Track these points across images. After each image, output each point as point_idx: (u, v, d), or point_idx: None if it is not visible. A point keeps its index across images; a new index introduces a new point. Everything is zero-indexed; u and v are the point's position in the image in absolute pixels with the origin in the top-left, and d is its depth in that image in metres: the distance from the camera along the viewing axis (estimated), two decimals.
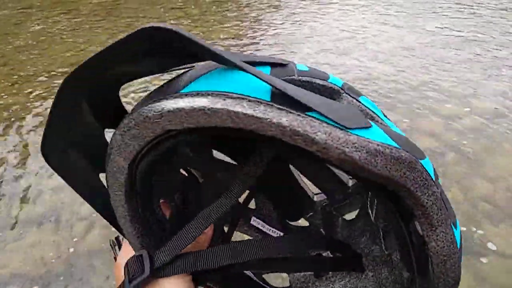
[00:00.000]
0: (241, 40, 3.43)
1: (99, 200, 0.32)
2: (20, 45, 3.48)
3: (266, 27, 3.73)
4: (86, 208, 1.58)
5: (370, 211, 0.39)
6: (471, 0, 4.27)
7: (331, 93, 0.29)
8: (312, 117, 0.22)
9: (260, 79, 0.22)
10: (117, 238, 0.38)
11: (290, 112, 0.22)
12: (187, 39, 0.22)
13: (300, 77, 0.28)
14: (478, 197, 1.64)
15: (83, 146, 0.31)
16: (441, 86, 2.50)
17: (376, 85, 2.54)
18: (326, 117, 0.22)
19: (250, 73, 0.23)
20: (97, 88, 0.28)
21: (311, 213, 0.43)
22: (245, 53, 2.90)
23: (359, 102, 0.30)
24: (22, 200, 1.70)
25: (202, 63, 0.27)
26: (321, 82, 0.29)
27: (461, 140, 1.97)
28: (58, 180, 1.63)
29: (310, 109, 0.22)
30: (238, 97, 0.22)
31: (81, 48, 3.35)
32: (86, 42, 3.50)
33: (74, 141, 0.30)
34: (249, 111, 0.22)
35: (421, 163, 0.24)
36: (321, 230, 0.43)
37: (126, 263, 0.30)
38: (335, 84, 0.30)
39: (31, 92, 2.67)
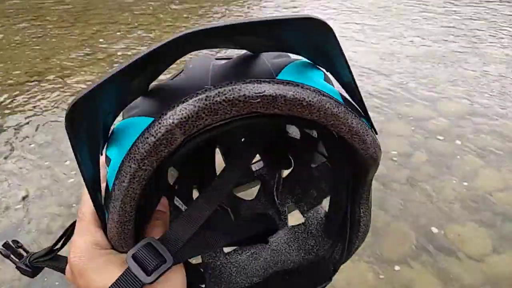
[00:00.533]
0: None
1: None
2: None
3: None
4: None
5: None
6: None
7: None
8: (363, 121, 0.28)
9: (354, 83, 0.27)
10: (11, 242, 0.36)
11: (356, 116, 0.27)
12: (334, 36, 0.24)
13: None
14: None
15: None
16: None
17: None
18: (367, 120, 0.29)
19: (350, 73, 0.27)
20: None
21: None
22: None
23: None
24: None
25: (274, 53, 0.30)
26: None
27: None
28: None
29: (360, 114, 0.28)
30: (327, 95, 0.25)
31: (47, 56, 3.26)
32: (53, 48, 3.41)
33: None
34: (335, 110, 0.26)
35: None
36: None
37: (134, 255, 0.25)
38: None
39: None
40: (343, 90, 0.29)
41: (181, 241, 0.28)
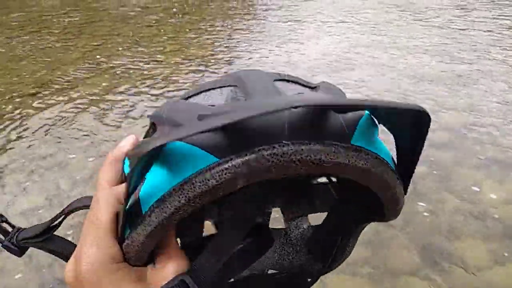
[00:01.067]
0: (218, 55, 3.45)
1: None
2: None
3: (245, 46, 3.76)
4: None
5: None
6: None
7: None
8: (402, 186, 0.28)
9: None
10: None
11: (400, 183, 0.28)
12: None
13: None
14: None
15: None
16: None
17: None
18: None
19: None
20: None
21: None
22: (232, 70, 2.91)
23: None
24: None
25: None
26: None
27: None
28: None
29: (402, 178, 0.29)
30: (385, 164, 0.26)
31: (51, 68, 3.29)
32: (57, 60, 3.44)
33: None
34: (389, 179, 0.27)
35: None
36: None
37: None
38: None
39: (1, 115, 2.59)
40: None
41: (210, 275, 0.28)
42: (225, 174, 0.22)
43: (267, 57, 3.40)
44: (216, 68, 3.22)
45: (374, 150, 0.26)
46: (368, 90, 2.75)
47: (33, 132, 2.36)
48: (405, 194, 0.29)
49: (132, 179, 0.22)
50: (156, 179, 0.24)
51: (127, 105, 2.68)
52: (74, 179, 1.91)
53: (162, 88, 2.91)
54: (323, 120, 0.24)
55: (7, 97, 2.79)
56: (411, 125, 0.26)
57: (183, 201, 0.23)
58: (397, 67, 3.12)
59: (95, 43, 3.85)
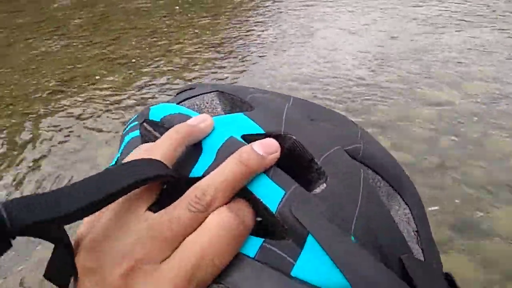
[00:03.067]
0: (244, 38, 3.43)
1: None
2: (13, 66, 3.47)
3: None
4: None
5: None
6: None
7: None
8: None
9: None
10: None
11: None
12: None
13: None
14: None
15: None
16: None
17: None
18: None
19: None
20: None
21: None
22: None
23: None
24: None
25: None
26: None
27: None
28: None
29: None
30: None
31: (71, 65, 3.35)
32: (76, 57, 3.49)
33: None
34: None
35: None
36: None
37: None
38: None
39: (27, 113, 2.66)
40: None
41: None
42: None
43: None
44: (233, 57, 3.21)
45: None
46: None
47: (60, 129, 2.42)
48: None
49: None
50: None
51: (147, 97, 2.71)
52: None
53: (182, 78, 2.92)
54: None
55: (32, 97, 2.86)
56: None
57: None
58: None
59: (111, 38, 3.89)
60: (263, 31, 3.66)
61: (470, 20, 3.32)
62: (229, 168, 0.22)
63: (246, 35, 3.57)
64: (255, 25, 3.83)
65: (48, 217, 0.17)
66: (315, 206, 0.21)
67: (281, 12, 4.12)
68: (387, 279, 0.20)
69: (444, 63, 2.63)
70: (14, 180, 1.99)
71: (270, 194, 0.22)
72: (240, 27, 3.80)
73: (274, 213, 0.21)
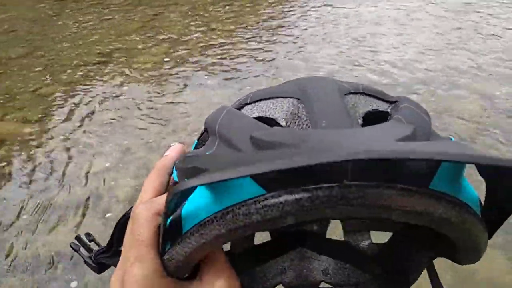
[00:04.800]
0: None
1: None
2: (55, 37, 3.60)
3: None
4: None
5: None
6: None
7: None
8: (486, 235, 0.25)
9: None
10: (84, 235, 0.35)
11: (485, 232, 0.24)
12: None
13: None
14: None
15: None
16: None
17: None
18: None
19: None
20: None
21: None
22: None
23: None
24: None
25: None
26: None
27: None
28: None
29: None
30: (472, 213, 0.22)
31: (113, 38, 3.43)
32: (118, 31, 3.57)
33: None
34: (474, 231, 0.23)
35: None
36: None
37: None
38: None
39: (69, 82, 2.77)
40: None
41: None
42: (271, 210, 0.19)
43: None
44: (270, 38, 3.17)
45: (457, 194, 0.22)
46: None
47: (99, 101, 2.51)
48: (489, 238, 0.26)
49: (175, 195, 0.21)
50: (200, 200, 0.23)
51: (185, 72, 2.75)
52: (139, 143, 2.03)
53: (219, 56, 2.94)
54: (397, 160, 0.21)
55: (74, 65, 2.97)
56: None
57: (223, 230, 0.21)
58: None
59: (154, 13, 3.94)
60: (303, 16, 3.58)
61: None
62: None
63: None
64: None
65: None
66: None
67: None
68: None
69: None
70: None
71: None
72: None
73: None
